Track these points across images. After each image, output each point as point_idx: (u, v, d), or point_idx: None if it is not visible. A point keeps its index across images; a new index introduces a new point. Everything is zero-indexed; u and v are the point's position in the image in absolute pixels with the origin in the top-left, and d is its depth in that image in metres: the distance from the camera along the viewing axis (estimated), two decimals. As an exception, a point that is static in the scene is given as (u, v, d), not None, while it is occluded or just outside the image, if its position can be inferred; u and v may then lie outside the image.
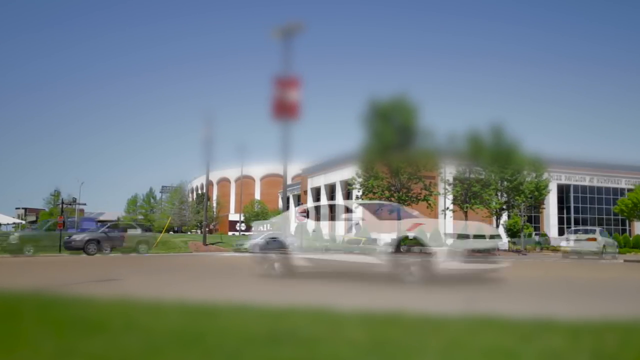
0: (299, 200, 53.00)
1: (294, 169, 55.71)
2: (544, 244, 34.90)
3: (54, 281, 8.40)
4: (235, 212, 63.03)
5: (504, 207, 30.73)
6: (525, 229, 33.03)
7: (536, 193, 30.97)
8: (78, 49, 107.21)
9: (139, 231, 23.70)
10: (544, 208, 41.32)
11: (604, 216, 46.19)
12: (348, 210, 8.79)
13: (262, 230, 11.27)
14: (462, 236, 7.87)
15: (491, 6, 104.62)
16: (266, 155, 58.72)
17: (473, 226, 8.91)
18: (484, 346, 2.58)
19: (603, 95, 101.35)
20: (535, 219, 43.88)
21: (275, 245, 8.97)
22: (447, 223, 34.53)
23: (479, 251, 8.12)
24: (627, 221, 43.43)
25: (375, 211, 8.86)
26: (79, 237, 21.80)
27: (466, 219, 29.75)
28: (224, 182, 76.06)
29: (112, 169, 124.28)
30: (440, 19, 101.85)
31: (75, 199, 53.93)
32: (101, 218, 69.46)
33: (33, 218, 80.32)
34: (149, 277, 9.61)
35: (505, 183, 29.48)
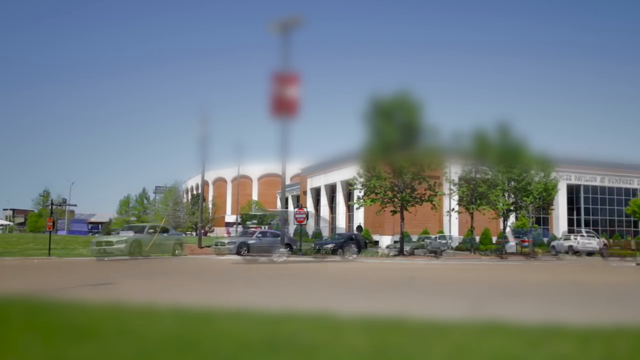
0: (298, 201, 52.81)
1: (293, 169, 55.39)
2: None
3: (47, 285, 8.36)
4: (232, 213, 62.92)
5: (512, 208, 30.45)
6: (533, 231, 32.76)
7: (544, 194, 30.64)
8: (69, 45, 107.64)
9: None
10: (553, 209, 40.87)
11: (616, 217, 45.51)
12: None
13: None
14: None
15: (498, 0, 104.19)
16: (264, 154, 58.55)
17: None
18: (490, 352, 2.50)
19: (614, 92, 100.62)
20: (544, 221, 43.46)
21: None
22: (452, 224, 34.25)
23: None
24: (639, 223, 42.88)
25: None
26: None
27: (472, 220, 29.53)
28: (220, 182, 76.02)
29: (103, 169, 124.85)
30: (444, 14, 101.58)
31: (66, 199, 53.84)
32: (92, 219, 69.56)
33: (21, 219, 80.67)
34: (143, 281, 9.58)
35: (513, 183, 29.20)
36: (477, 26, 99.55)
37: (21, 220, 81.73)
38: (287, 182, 46.89)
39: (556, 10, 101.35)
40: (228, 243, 24.11)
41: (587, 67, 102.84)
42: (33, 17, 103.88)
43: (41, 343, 2.47)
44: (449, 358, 2.38)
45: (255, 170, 71.49)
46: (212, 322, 3.14)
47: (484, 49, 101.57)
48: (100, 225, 66.07)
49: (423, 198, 25.98)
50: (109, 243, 19.06)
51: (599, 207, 45.95)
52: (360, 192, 27.82)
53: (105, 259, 18.26)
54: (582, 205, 45.52)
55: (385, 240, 37.55)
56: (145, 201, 74.35)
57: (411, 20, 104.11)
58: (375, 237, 38.13)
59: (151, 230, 20.52)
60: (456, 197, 30.03)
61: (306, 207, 30.54)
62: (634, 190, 45.20)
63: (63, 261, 18.59)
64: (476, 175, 28.03)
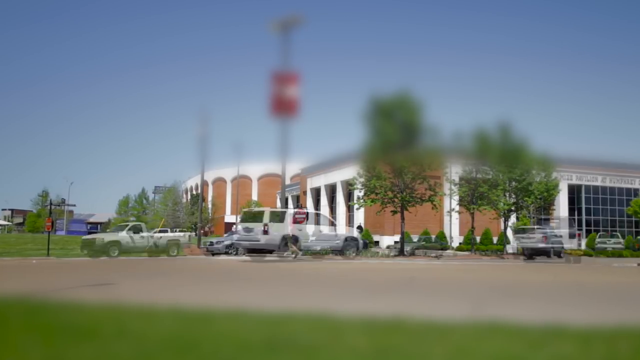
0: (298, 201, 52.70)
1: (292, 169, 55.18)
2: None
3: (45, 286, 8.35)
4: (232, 213, 62.74)
5: (512, 208, 30.39)
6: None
7: (545, 194, 30.57)
8: (67, 45, 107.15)
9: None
10: (554, 209, 40.81)
11: (617, 218, 45.34)
12: None
13: None
14: None
15: (498, 0, 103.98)
16: (264, 154, 58.23)
17: None
18: (491, 353, 2.49)
19: (616, 92, 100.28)
20: (545, 221, 43.43)
21: None
22: (452, 224, 34.07)
23: None
24: (640, 223, 42.78)
25: None
26: None
27: (473, 220, 29.49)
28: (219, 182, 75.81)
29: (102, 169, 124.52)
30: (444, 13, 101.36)
31: (64, 199, 53.72)
32: (91, 219, 69.41)
33: (20, 220, 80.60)
34: (142, 282, 9.57)
35: (514, 183, 29.15)
36: (478, 26, 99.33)
37: (20, 220, 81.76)
38: (287, 182, 46.82)
39: (558, 9, 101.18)
40: (216, 243, 24.92)
41: (588, 67, 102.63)
42: (33, 17, 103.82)
43: (40, 343, 2.46)
44: (450, 359, 2.37)
45: (255, 170, 71.34)
46: (212, 322, 3.13)
47: (485, 49, 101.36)
48: (99, 226, 65.96)
49: (423, 198, 25.94)
50: None
51: (600, 207, 45.83)
52: (360, 192, 27.79)
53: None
54: (584, 206, 45.41)
55: (386, 241, 37.53)
56: (144, 201, 74.36)
57: (411, 20, 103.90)
58: (376, 238, 38.09)
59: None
60: (457, 197, 29.99)
61: (306, 207, 30.51)
62: (635, 191, 45.07)
63: (62, 261, 18.58)
64: (477, 176, 27.99)
